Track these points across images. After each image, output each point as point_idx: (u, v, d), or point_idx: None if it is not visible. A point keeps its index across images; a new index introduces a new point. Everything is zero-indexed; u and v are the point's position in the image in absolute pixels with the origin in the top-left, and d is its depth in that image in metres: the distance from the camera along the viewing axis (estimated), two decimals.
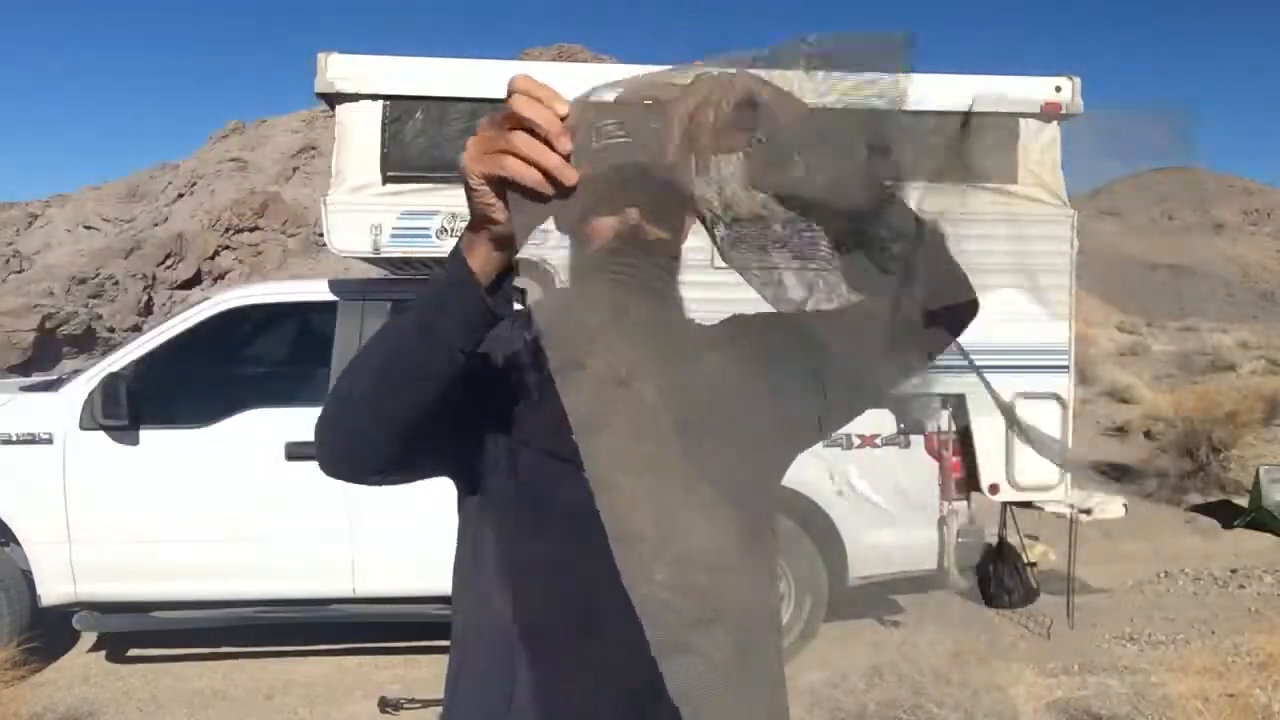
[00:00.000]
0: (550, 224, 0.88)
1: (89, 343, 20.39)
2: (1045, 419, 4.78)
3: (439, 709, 1.15)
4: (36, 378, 6.50)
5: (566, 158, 0.80)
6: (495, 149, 0.81)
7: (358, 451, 0.97)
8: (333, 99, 4.46)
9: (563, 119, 0.81)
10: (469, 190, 0.83)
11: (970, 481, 4.83)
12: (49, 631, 4.38)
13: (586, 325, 0.87)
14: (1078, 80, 4.76)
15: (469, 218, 0.85)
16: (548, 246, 0.95)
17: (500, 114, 0.82)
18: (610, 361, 0.85)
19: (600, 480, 0.81)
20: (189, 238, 25.78)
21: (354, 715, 4.18)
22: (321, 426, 0.97)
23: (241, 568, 4.26)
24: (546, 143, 0.79)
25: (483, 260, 0.86)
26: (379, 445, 0.95)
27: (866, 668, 3.46)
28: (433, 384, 0.90)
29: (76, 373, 4.62)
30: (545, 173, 0.80)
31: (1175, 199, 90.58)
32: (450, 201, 4.43)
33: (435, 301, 0.89)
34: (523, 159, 0.80)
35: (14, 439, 4.26)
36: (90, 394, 4.22)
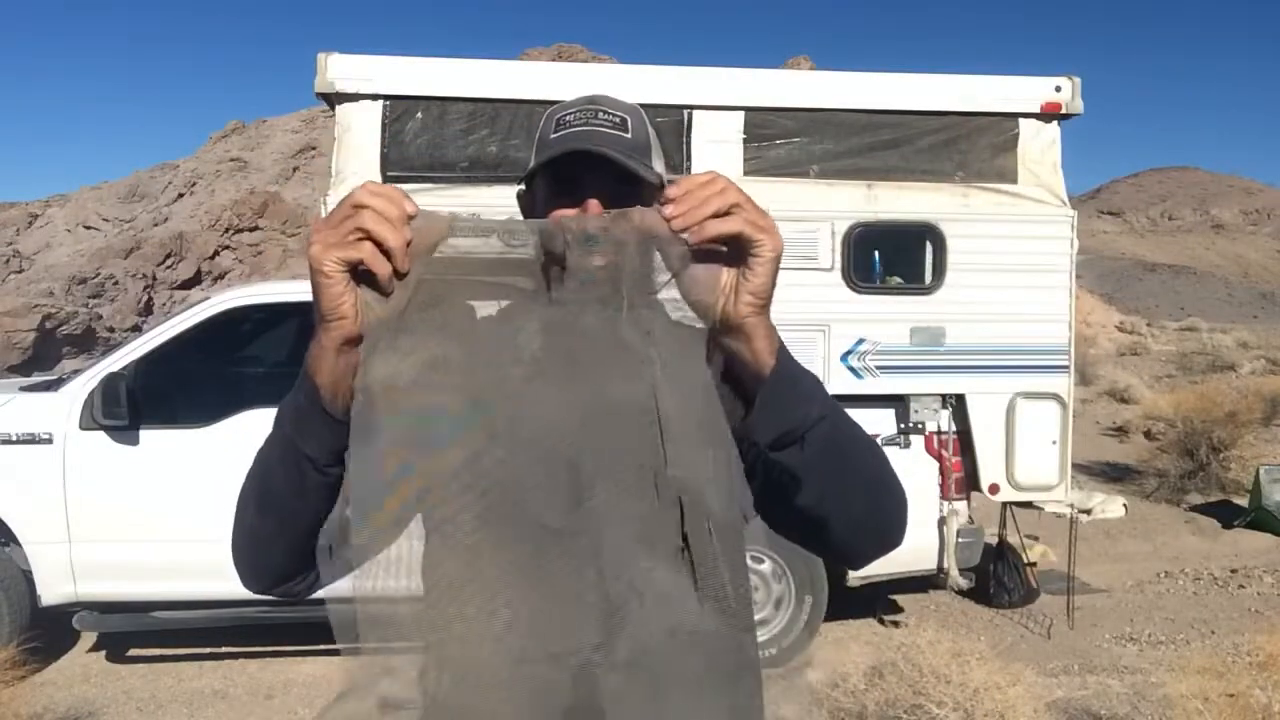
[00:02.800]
0: None
1: (89, 343, 20.39)
2: (1045, 419, 4.78)
3: None
4: (36, 378, 6.50)
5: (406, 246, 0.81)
6: (347, 232, 0.81)
7: (272, 572, 0.97)
8: (333, 99, 4.47)
9: (410, 216, 0.82)
10: (319, 286, 0.82)
11: (970, 481, 4.83)
12: (49, 631, 4.38)
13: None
14: (1078, 80, 4.76)
15: (317, 319, 0.84)
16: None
17: (344, 205, 0.82)
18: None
19: (375, 560, 0.81)
20: (189, 238, 25.78)
21: (354, 715, 4.17)
22: (233, 554, 0.98)
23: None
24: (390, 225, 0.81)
25: (330, 370, 0.85)
26: (290, 562, 0.94)
27: (866, 668, 3.46)
28: (312, 496, 0.89)
29: (76, 373, 4.63)
30: (390, 254, 0.80)
31: (1175, 199, 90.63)
32: (450, 202, 4.43)
33: (294, 423, 0.88)
34: (375, 241, 0.80)
35: (14, 439, 4.26)
36: (90, 394, 4.23)
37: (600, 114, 1.04)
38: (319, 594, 0.93)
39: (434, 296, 0.84)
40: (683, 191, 0.84)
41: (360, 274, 0.82)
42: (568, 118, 1.05)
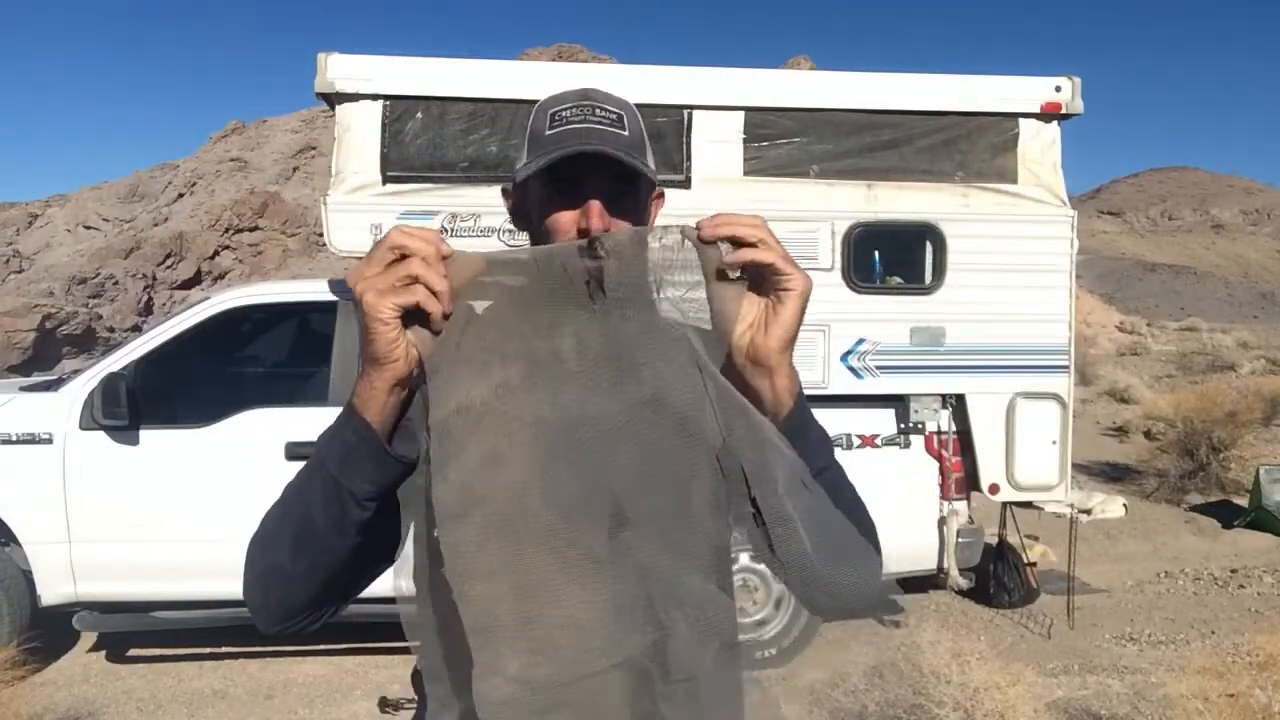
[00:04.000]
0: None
1: (89, 343, 20.39)
2: (1045, 419, 4.78)
3: None
4: (36, 378, 6.50)
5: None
6: (398, 278, 0.83)
7: (297, 610, 0.95)
8: (333, 99, 4.47)
9: (444, 257, 0.85)
10: (374, 332, 0.84)
11: (970, 481, 4.83)
12: (49, 631, 4.38)
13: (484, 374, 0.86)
14: (1078, 80, 4.76)
15: (367, 360, 0.86)
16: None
17: (374, 250, 0.85)
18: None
19: (459, 572, 0.81)
20: (189, 238, 25.77)
21: (354, 715, 4.18)
22: (254, 595, 0.95)
23: (242, 568, 4.25)
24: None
25: (380, 408, 0.86)
26: (318, 598, 0.94)
27: (866, 668, 3.46)
28: (351, 532, 0.89)
29: (76, 373, 4.62)
30: (438, 295, 0.83)
31: (1175, 199, 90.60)
32: (450, 201, 4.43)
33: (341, 461, 0.87)
34: (427, 286, 0.83)
35: (14, 439, 4.26)
36: (90, 394, 4.22)
37: (597, 110, 1.01)
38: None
39: (486, 322, 0.87)
40: (720, 219, 0.89)
41: (408, 316, 0.84)
42: (564, 113, 1.01)
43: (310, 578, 0.92)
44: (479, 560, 0.82)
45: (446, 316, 0.84)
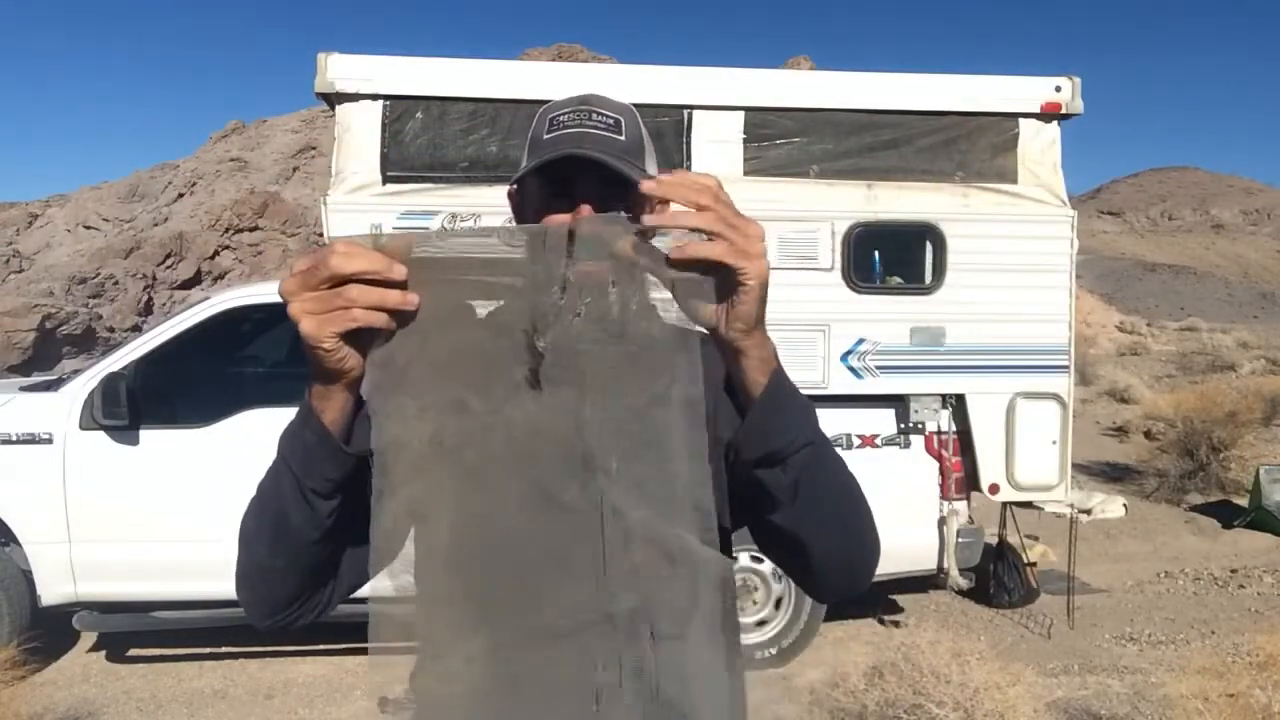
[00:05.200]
0: None
1: (89, 343, 20.39)
2: (1045, 419, 4.78)
3: None
4: (36, 378, 6.50)
5: (404, 284, 0.80)
6: (335, 307, 0.80)
7: (284, 603, 0.97)
8: (333, 99, 4.47)
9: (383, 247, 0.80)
10: (318, 353, 0.82)
11: (970, 481, 4.83)
12: (49, 631, 4.38)
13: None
14: (1078, 80, 4.76)
15: (317, 375, 0.85)
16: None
17: (309, 269, 0.81)
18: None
19: (380, 625, 0.84)
20: (189, 238, 25.77)
21: (354, 715, 4.18)
22: (242, 589, 0.98)
23: None
24: (379, 283, 0.79)
25: (337, 407, 0.86)
26: (302, 588, 0.96)
27: (866, 668, 3.46)
28: (325, 524, 0.90)
29: (76, 373, 4.62)
30: (390, 311, 0.80)
31: (1175, 199, 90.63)
32: (450, 201, 4.43)
33: (302, 463, 0.88)
34: (367, 307, 0.80)
35: (14, 439, 4.26)
36: (90, 394, 4.23)
37: (594, 115, 1.03)
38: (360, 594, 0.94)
39: (442, 341, 0.82)
40: (661, 193, 0.84)
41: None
42: (561, 118, 1.04)
43: (292, 570, 0.94)
44: (398, 612, 0.84)
45: (407, 317, 0.81)
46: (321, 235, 4.85)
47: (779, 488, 0.92)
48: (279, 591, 0.96)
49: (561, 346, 0.82)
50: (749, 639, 4.57)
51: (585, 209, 0.99)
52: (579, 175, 1.00)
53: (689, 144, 4.59)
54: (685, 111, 4.59)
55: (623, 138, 1.03)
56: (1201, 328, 34.49)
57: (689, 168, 4.55)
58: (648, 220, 0.82)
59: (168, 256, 25.14)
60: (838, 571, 1.01)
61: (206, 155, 32.20)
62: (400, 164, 4.46)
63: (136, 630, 4.59)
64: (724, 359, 0.90)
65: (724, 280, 0.85)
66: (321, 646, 4.76)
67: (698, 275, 0.84)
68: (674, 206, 0.85)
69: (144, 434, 4.28)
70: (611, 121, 1.04)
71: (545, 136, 1.04)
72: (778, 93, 4.73)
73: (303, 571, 0.94)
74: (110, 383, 4.18)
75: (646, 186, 0.84)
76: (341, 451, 0.87)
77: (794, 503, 0.93)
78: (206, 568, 4.25)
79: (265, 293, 4.93)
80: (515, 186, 1.11)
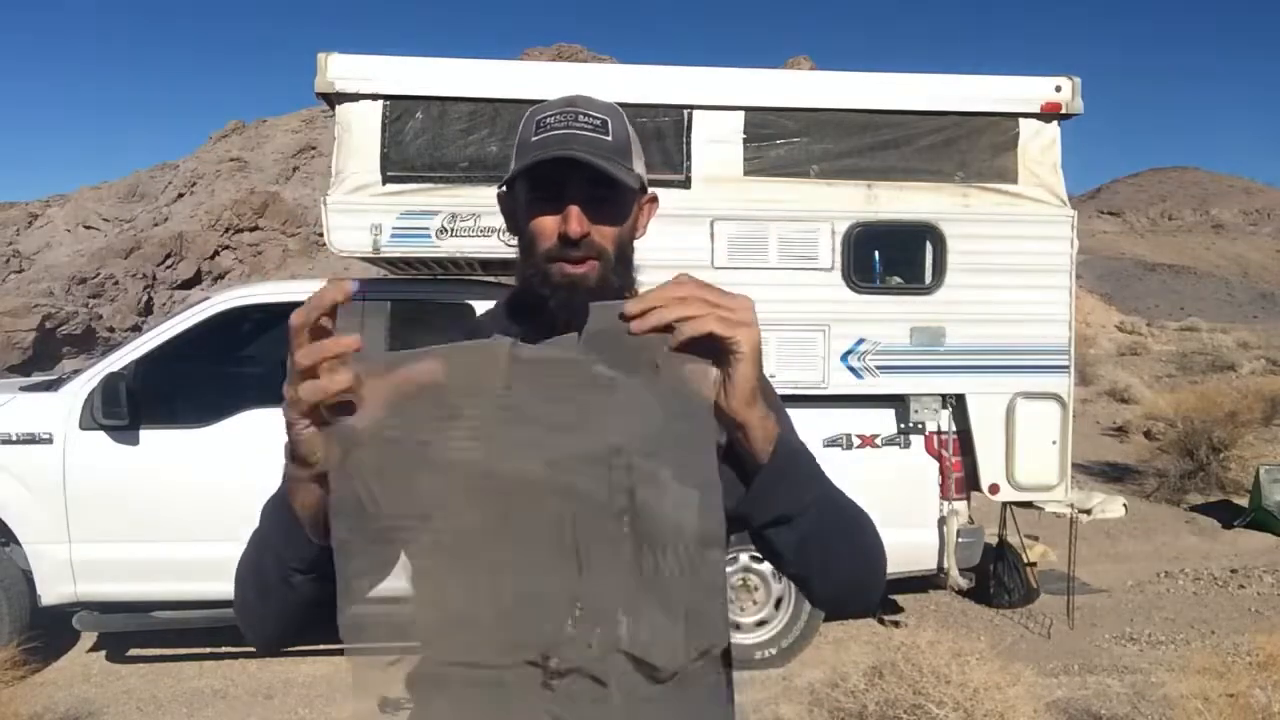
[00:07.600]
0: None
1: (89, 343, 20.40)
2: (1045, 419, 4.78)
3: None
4: (36, 378, 6.50)
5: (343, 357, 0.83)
6: (295, 401, 0.83)
7: (277, 636, 1.00)
8: (333, 99, 4.47)
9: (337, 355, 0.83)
10: (293, 441, 0.85)
11: (970, 481, 4.83)
12: (49, 631, 4.38)
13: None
14: (1078, 80, 4.76)
15: (290, 456, 0.87)
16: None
17: (293, 364, 0.84)
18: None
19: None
20: (189, 238, 25.78)
21: (354, 715, 4.17)
22: (239, 618, 1.00)
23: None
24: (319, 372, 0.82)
25: (308, 498, 0.87)
26: (295, 623, 0.98)
27: (866, 668, 3.46)
28: (310, 577, 0.91)
29: (76, 373, 4.62)
30: (337, 395, 0.82)
31: (1175, 199, 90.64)
32: (450, 201, 4.43)
33: (282, 541, 0.91)
34: (323, 395, 0.81)
35: (14, 439, 4.26)
36: (90, 394, 4.23)
37: (580, 116, 1.04)
38: None
39: (389, 443, 0.81)
40: (643, 319, 0.82)
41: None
42: (548, 120, 1.04)
43: (282, 614, 0.96)
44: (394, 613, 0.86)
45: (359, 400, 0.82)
46: (321, 235, 4.85)
47: (787, 546, 0.95)
48: (271, 630, 0.99)
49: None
50: (749, 639, 4.57)
51: (574, 211, 1.00)
52: (567, 177, 1.01)
53: (689, 144, 4.58)
54: (685, 111, 4.59)
55: (610, 138, 1.04)
56: (1201, 328, 34.47)
57: (689, 168, 4.55)
58: (630, 307, 0.81)
59: (168, 256, 25.15)
60: (847, 601, 1.06)
61: (206, 155, 32.21)
62: (400, 164, 4.46)
63: (136, 630, 4.59)
64: (726, 432, 0.90)
65: (719, 352, 0.85)
66: (321, 647, 4.76)
67: (695, 357, 0.83)
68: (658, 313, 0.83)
69: (144, 434, 4.28)
70: (598, 122, 1.04)
71: (533, 139, 1.04)
72: (778, 93, 4.73)
73: (293, 614, 0.96)
74: (110, 383, 4.18)
75: (629, 309, 0.81)
76: (307, 540, 0.88)
77: (801, 555, 0.96)
78: (206, 568, 4.25)
79: (265, 293, 4.93)
80: (504, 189, 1.11)
